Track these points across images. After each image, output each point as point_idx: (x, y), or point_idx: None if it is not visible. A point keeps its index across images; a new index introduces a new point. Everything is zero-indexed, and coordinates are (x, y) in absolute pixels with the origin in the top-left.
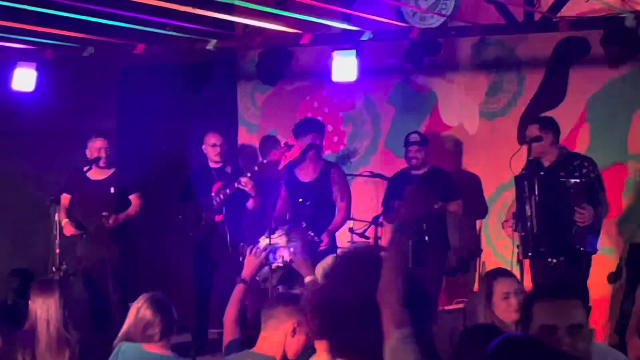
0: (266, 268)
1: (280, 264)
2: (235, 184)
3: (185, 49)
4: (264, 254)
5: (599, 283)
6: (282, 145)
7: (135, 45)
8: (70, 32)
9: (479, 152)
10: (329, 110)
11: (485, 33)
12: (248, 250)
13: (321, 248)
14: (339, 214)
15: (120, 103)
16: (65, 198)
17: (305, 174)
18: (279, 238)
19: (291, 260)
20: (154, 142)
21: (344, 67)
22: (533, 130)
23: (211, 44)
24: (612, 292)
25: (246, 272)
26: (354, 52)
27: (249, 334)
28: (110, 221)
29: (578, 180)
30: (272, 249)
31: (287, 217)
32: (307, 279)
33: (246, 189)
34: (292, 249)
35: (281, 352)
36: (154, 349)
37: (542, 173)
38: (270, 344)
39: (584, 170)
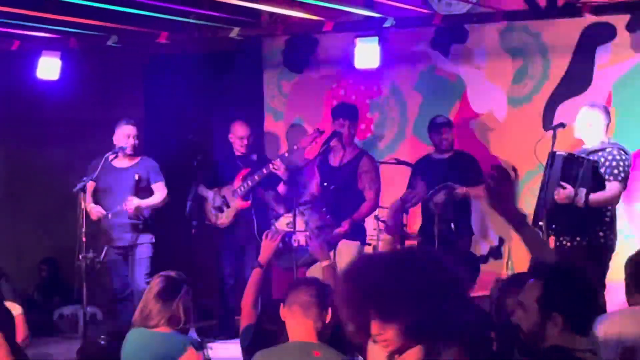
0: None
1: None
2: (264, 170)
3: (208, 37)
4: (279, 238)
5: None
6: (313, 131)
7: (159, 34)
8: (94, 21)
9: (507, 138)
10: (356, 97)
11: (508, 19)
12: (264, 235)
13: (337, 231)
14: (366, 203)
15: (147, 92)
16: (90, 185)
17: (336, 159)
18: (299, 217)
19: (307, 245)
20: (181, 131)
21: (367, 53)
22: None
23: (234, 32)
24: None
25: (263, 257)
26: (376, 38)
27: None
28: (132, 206)
29: (575, 156)
30: (289, 234)
31: (309, 200)
32: (323, 264)
33: (279, 172)
34: (308, 234)
35: (317, 337)
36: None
37: (569, 153)
38: (306, 331)
39: (610, 157)
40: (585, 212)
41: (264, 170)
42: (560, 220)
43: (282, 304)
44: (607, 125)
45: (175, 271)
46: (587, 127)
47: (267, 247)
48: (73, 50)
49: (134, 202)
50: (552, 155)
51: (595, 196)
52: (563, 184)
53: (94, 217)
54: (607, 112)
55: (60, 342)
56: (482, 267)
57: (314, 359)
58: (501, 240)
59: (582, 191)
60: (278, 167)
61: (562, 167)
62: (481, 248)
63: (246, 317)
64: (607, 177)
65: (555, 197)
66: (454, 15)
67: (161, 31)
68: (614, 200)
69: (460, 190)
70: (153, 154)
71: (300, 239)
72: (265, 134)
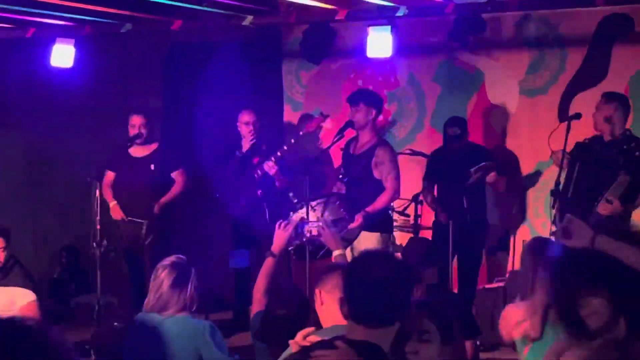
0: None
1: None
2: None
3: (222, 25)
4: (291, 228)
5: None
6: (318, 116)
7: (172, 22)
8: (108, 9)
9: (521, 129)
10: (373, 88)
11: (523, 9)
12: (277, 225)
13: (351, 226)
14: (385, 193)
15: (166, 81)
16: (109, 175)
17: (355, 148)
18: (311, 212)
19: (319, 235)
20: (199, 120)
21: (379, 43)
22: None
23: (247, 20)
24: None
25: (275, 246)
26: (388, 27)
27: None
28: (155, 210)
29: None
30: (301, 224)
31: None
32: (335, 253)
33: (270, 173)
34: (321, 224)
35: None
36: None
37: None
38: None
39: (637, 153)
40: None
41: (273, 159)
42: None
43: (317, 289)
44: (627, 116)
45: (175, 256)
46: (605, 118)
47: (280, 236)
48: (90, 38)
49: (155, 209)
50: (581, 146)
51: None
52: (610, 198)
53: (115, 216)
54: (626, 103)
55: (75, 329)
56: (490, 258)
57: None
58: (507, 233)
59: (629, 207)
60: (270, 169)
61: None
62: (493, 239)
63: (257, 305)
64: None
65: (602, 211)
66: (468, 4)
67: (175, 19)
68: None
69: (494, 175)
70: (171, 143)
71: (312, 229)
72: (285, 124)
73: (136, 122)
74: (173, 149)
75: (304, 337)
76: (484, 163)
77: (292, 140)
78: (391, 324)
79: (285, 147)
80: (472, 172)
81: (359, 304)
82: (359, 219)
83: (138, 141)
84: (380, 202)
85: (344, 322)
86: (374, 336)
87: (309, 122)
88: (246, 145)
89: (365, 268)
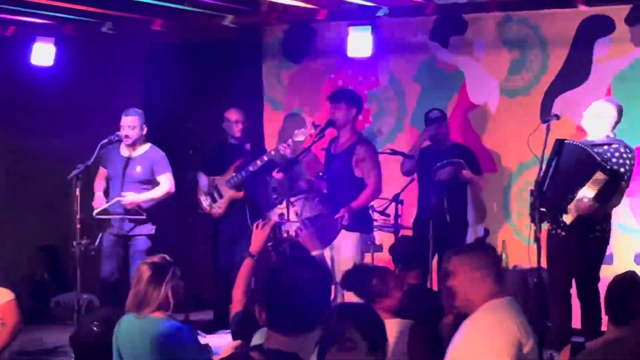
0: None
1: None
2: (259, 162)
3: (203, 25)
4: (269, 228)
5: (626, 264)
6: (309, 126)
7: (153, 21)
8: (88, 7)
9: (503, 130)
10: (354, 87)
11: (502, 9)
12: (255, 226)
13: (335, 220)
14: (366, 190)
15: (147, 81)
16: (102, 172)
17: (336, 147)
18: (291, 208)
19: (297, 235)
20: (180, 120)
21: (360, 42)
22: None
23: (228, 20)
24: None
25: (254, 247)
26: (369, 27)
27: None
28: (127, 201)
29: (608, 168)
30: (279, 224)
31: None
32: (313, 254)
33: (286, 153)
34: (299, 224)
35: None
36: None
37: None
38: None
39: (617, 153)
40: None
41: (258, 162)
42: (561, 206)
43: None
44: (616, 123)
45: (160, 255)
46: (594, 116)
47: (258, 237)
48: (71, 37)
49: (129, 197)
50: (560, 143)
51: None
52: (582, 197)
53: (95, 205)
54: (620, 111)
55: (54, 328)
56: None
57: None
58: (487, 232)
59: (603, 206)
60: (285, 149)
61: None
62: (468, 239)
63: (236, 305)
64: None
65: (573, 208)
66: (448, 5)
67: (156, 18)
68: (619, 201)
69: (467, 173)
70: (152, 143)
71: (290, 229)
72: (264, 123)
73: (125, 124)
74: (160, 153)
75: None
76: (446, 161)
77: (287, 144)
78: (309, 330)
79: (283, 148)
80: (435, 169)
81: (275, 310)
82: (341, 214)
83: (126, 141)
84: (363, 199)
85: None
86: (293, 344)
87: (301, 131)
88: (232, 142)
89: (280, 272)
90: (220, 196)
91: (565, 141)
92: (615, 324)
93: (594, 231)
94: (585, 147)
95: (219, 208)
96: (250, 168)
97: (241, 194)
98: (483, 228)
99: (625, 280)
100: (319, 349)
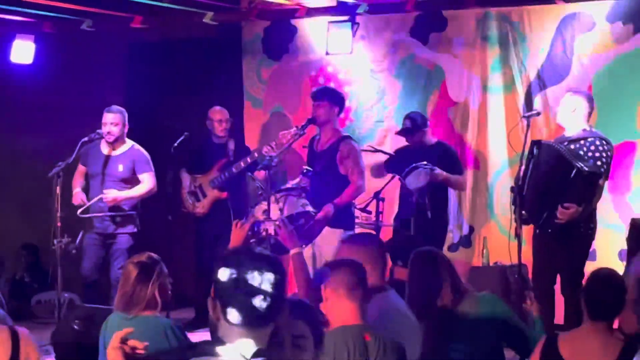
0: None
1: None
2: (242, 163)
3: (182, 22)
4: (248, 227)
5: (609, 260)
6: (294, 131)
7: (132, 19)
8: (67, 4)
9: (484, 127)
10: (335, 85)
11: (481, 5)
12: (234, 224)
13: (317, 218)
14: (349, 187)
15: (128, 78)
16: (82, 169)
17: (319, 145)
18: (274, 205)
19: (276, 233)
20: (161, 118)
21: (339, 39)
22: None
23: (207, 17)
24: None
25: (232, 245)
26: (349, 24)
27: None
28: (108, 198)
29: (586, 171)
30: (258, 222)
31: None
32: (292, 252)
33: (271, 154)
34: (277, 222)
35: (361, 319)
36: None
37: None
38: (351, 313)
39: (592, 147)
40: (566, 191)
41: (242, 164)
42: (541, 209)
43: (322, 285)
44: (590, 114)
45: (146, 254)
46: (570, 112)
47: (237, 235)
48: (51, 35)
49: (110, 195)
50: (538, 144)
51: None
52: (567, 205)
53: (74, 201)
54: (591, 100)
55: (35, 327)
56: (452, 255)
57: (366, 343)
58: (471, 229)
59: (588, 208)
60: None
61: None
62: (453, 236)
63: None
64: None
65: (560, 218)
66: (427, 1)
67: (136, 16)
68: (602, 193)
69: (440, 173)
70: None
71: (269, 227)
72: (245, 121)
73: (107, 120)
74: (142, 151)
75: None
76: (414, 165)
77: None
78: (264, 325)
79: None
80: (404, 177)
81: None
82: (325, 210)
83: (108, 139)
84: (347, 195)
85: (351, 320)
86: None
87: (284, 133)
88: (216, 141)
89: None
90: (204, 195)
91: (542, 142)
92: (591, 319)
93: (578, 227)
94: (560, 149)
95: (202, 207)
96: (234, 169)
97: (225, 194)
98: (468, 225)
99: (601, 276)
100: (270, 344)
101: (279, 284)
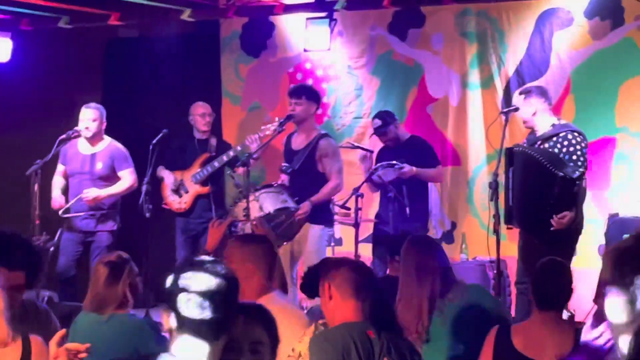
0: None
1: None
2: (225, 157)
3: (160, 19)
4: (225, 226)
5: (589, 255)
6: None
7: (110, 16)
8: (45, 2)
9: (464, 123)
10: (313, 82)
11: (458, 1)
12: (211, 224)
13: (296, 216)
14: (327, 185)
15: (106, 75)
16: (61, 169)
17: (296, 142)
18: (251, 203)
19: (254, 232)
20: (140, 115)
21: (317, 35)
22: (518, 99)
23: (185, 14)
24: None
25: (210, 244)
26: (327, 20)
27: None
28: (89, 197)
29: (569, 177)
30: (235, 221)
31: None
32: None
33: (252, 146)
34: (254, 221)
35: (363, 316)
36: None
37: (522, 146)
38: (355, 311)
39: (565, 142)
40: (555, 200)
41: (224, 157)
42: (530, 218)
43: (325, 282)
44: (550, 104)
45: (116, 253)
46: (531, 117)
47: (214, 234)
48: (28, 32)
49: (91, 193)
50: (510, 152)
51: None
52: (561, 215)
53: (53, 205)
54: (544, 92)
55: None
56: None
57: (370, 340)
58: (453, 225)
59: (582, 212)
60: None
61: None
62: (436, 233)
63: None
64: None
65: (557, 226)
66: None
67: (113, 12)
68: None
69: (408, 169)
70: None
71: (246, 227)
72: (222, 118)
73: (85, 117)
74: (121, 148)
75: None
76: (385, 162)
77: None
78: (215, 336)
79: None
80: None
81: (182, 316)
82: (304, 208)
83: (86, 136)
84: (324, 192)
85: (354, 318)
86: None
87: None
88: (198, 137)
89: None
90: (186, 191)
91: (514, 149)
92: (539, 309)
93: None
94: (540, 159)
95: (185, 203)
96: (216, 163)
97: (207, 189)
98: (450, 221)
99: (547, 266)
100: (226, 355)
101: (229, 294)
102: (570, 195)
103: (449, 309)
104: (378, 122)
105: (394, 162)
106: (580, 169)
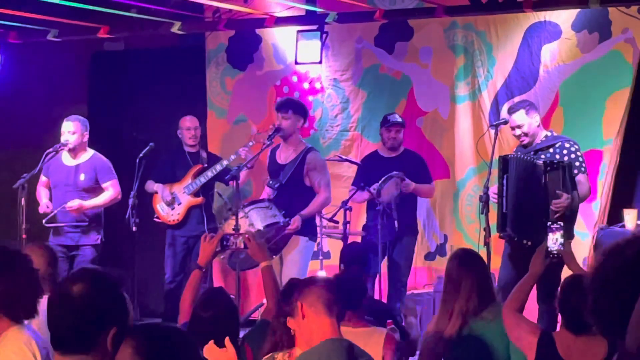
0: None
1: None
2: (218, 166)
3: (150, 32)
4: (217, 241)
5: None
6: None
7: (99, 29)
8: (33, 14)
9: (452, 136)
10: (299, 94)
11: (449, 14)
12: (203, 238)
13: (287, 230)
14: (317, 198)
15: (91, 88)
16: (45, 180)
17: (282, 156)
18: (241, 220)
19: (245, 247)
20: (125, 127)
21: (308, 49)
22: (518, 114)
23: (175, 27)
24: None
25: (202, 259)
26: (318, 34)
27: None
28: (73, 208)
29: (553, 161)
30: (227, 236)
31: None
32: (262, 265)
33: (248, 156)
34: (246, 235)
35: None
36: None
37: (517, 154)
38: (332, 328)
39: (564, 151)
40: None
41: (217, 167)
42: (524, 223)
43: (298, 301)
44: (540, 117)
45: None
46: (536, 129)
47: (206, 249)
48: (17, 45)
49: (75, 204)
50: (504, 159)
51: (580, 194)
52: (558, 192)
53: (40, 209)
54: (531, 105)
55: None
56: (429, 263)
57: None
58: (445, 238)
59: (575, 194)
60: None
61: (545, 175)
62: (429, 245)
63: (183, 316)
64: (573, 171)
65: (554, 207)
66: (396, 10)
67: (102, 25)
68: (589, 192)
69: (411, 184)
70: (97, 151)
71: (238, 241)
72: (208, 131)
73: (69, 129)
74: (104, 160)
75: None
76: (386, 175)
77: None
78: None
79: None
80: (377, 190)
81: (59, 330)
82: (295, 223)
83: (69, 148)
84: (314, 206)
85: (333, 334)
86: None
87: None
88: (188, 150)
89: (65, 287)
90: (179, 203)
91: (509, 157)
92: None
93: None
94: (531, 161)
95: (178, 215)
96: (209, 173)
97: (200, 199)
98: (442, 234)
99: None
100: None
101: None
102: (561, 180)
103: (478, 326)
104: (397, 117)
105: (397, 172)
106: (584, 174)
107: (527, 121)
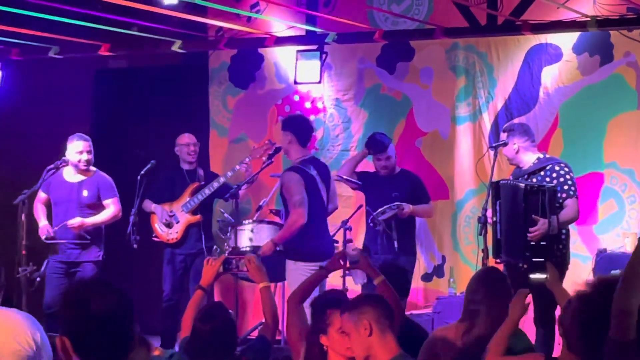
0: None
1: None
2: (215, 184)
3: (150, 50)
4: (219, 264)
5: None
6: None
7: (100, 46)
8: (35, 32)
9: (451, 157)
10: (301, 114)
11: (449, 35)
12: (205, 261)
13: (261, 254)
14: (286, 221)
15: (94, 106)
16: (44, 197)
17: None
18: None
19: (247, 270)
20: (128, 146)
21: (308, 68)
22: (502, 136)
23: (176, 45)
24: None
25: (204, 281)
26: (317, 53)
27: None
28: (75, 225)
29: (535, 186)
30: (227, 259)
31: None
32: (260, 286)
33: (248, 172)
34: (246, 257)
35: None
36: None
37: (508, 179)
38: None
39: (554, 174)
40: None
41: (215, 184)
42: (519, 248)
43: (364, 319)
44: (533, 141)
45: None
46: (515, 155)
47: (208, 272)
48: (18, 62)
49: (76, 222)
50: (496, 185)
51: (562, 218)
52: (535, 217)
53: (40, 233)
54: (525, 129)
55: None
56: (426, 284)
57: None
58: (444, 259)
59: (554, 219)
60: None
61: (524, 200)
62: (427, 266)
63: (185, 331)
64: (560, 194)
65: (530, 236)
66: (396, 31)
67: (103, 43)
68: (577, 215)
69: (408, 209)
70: (100, 169)
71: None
72: (210, 149)
73: (83, 149)
74: (106, 177)
75: None
76: (386, 207)
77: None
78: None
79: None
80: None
81: (80, 339)
82: (263, 247)
83: (81, 167)
84: (284, 229)
85: (397, 350)
86: None
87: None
88: (186, 167)
89: (83, 299)
90: (177, 221)
91: (501, 182)
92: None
93: (554, 255)
94: (515, 185)
95: (176, 233)
96: (207, 191)
97: (198, 217)
98: (441, 255)
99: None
100: None
101: (127, 317)
102: (542, 204)
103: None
104: (386, 138)
105: (394, 204)
106: (570, 193)
107: (506, 145)
